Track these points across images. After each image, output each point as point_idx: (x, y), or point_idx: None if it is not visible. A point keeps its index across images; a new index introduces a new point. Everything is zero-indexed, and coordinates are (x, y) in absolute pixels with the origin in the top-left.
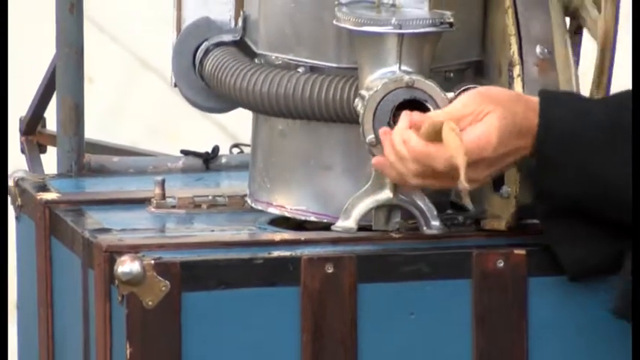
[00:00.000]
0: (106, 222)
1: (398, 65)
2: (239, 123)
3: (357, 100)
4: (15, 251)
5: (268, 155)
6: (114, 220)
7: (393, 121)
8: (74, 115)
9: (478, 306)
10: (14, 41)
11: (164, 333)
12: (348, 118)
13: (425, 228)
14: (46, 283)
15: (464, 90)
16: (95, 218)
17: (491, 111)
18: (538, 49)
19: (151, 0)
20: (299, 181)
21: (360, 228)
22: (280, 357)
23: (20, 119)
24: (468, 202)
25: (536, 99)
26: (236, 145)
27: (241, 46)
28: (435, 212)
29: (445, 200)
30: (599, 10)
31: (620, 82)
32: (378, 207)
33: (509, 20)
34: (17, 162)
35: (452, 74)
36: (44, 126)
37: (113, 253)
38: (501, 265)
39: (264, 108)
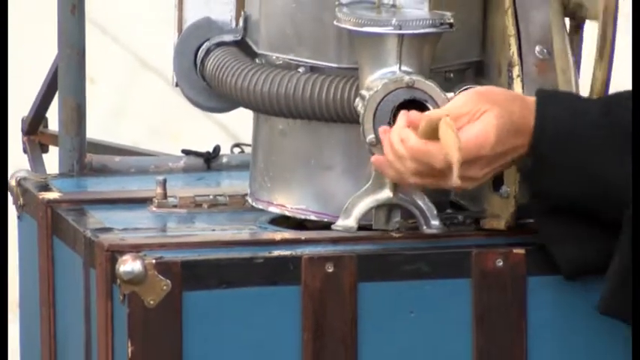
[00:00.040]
0: (107, 221)
1: (398, 65)
2: (240, 123)
3: (357, 100)
4: (17, 250)
5: (269, 155)
6: (115, 220)
7: (393, 121)
8: (76, 115)
9: (477, 305)
10: (14, 41)
11: (165, 332)
12: (349, 118)
13: (425, 227)
14: (47, 283)
15: (464, 90)
16: (97, 218)
17: (488, 110)
18: (537, 50)
19: (152, 1)
20: (299, 181)
21: (360, 227)
22: (281, 356)
23: (22, 119)
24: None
25: (532, 99)
26: (237, 145)
27: (242, 46)
28: (435, 212)
29: (445, 200)
30: None
31: (620, 82)
32: (378, 206)
33: (509, 21)
34: (19, 162)
35: (452, 74)
36: (46, 126)
37: (115, 253)
38: (501, 264)
39: (264, 108)
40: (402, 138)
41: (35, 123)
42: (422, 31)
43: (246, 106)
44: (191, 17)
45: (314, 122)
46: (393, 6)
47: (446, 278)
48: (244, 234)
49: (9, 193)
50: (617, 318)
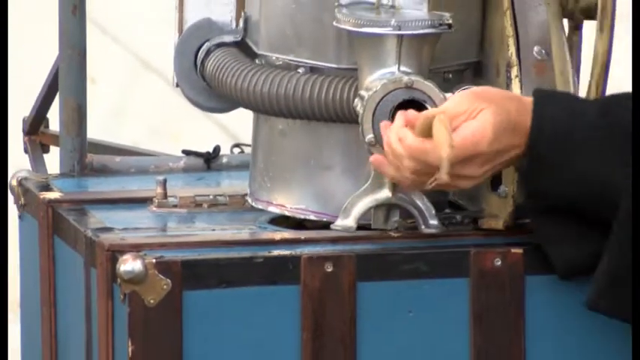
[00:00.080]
0: (108, 221)
1: (397, 66)
2: (240, 123)
3: (356, 100)
4: (18, 250)
5: (268, 155)
6: (116, 219)
7: (392, 122)
8: (77, 115)
9: (476, 304)
10: (14, 41)
11: (166, 331)
12: (348, 118)
13: (423, 227)
14: (48, 282)
15: (462, 90)
16: (97, 217)
17: (485, 108)
18: (536, 51)
19: (152, 1)
20: (299, 181)
21: (359, 227)
22: (280, 355)
23: (23, 119)
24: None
25: (529, 99)
26: (237, 145)
27: (242, 46)
28: (434, 211)
29: (443, 200)
30: None
31: (620, 82)
32: (377, 206)
33: (507, 22)
34: (20, 162)
35: (451, 75)
36: (47, 126)
37: (115, 252)
38: (499, 263)
39: (264, 108)
40: (399, 137)
41: (36, 123)
42: (421, 31)
43: (246, 107)
44: (191, 18)
45: (313, 122)
46: (392, 7)
47: (444, 278)
48: (244, 234)
49: (10, 192)
50: (605, 315)
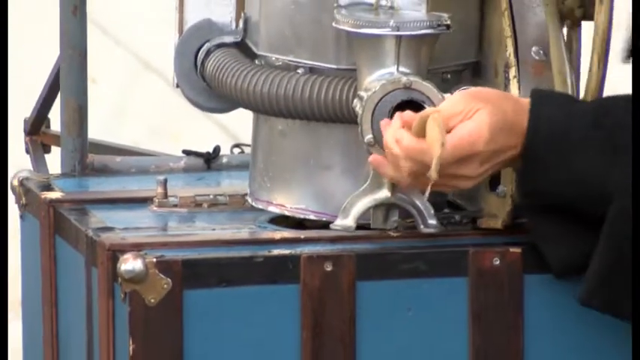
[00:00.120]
0: (109, 221)
1: (396, 66)
2: (240, 123)
3: (355, 100)
4: (19, 250)
5: (268, 155)
6: (117, 219)
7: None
8: (78, 115)
9: (474, 303)
10: (14, 41)
11: (166, 330)
12: (347, 118)
13: (422, 227)
14: (50, 281)
15: (460, 90)
16: (98, 217)
17: (482, 108)
18: (534, 51)
19: (153, 2)
20: (299, 181)
21: (359, 227)
22: (280, 353)
23: (25, 120)
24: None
25: (526, 100)
26: (237, 145)
27: (242, 47)
28: (432, 211)
29: (442, 199)
30: None
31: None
32: (377, 206)
33: (506, 22)
34: (22, 162)
35: (449, 75)
36: (48, 126)
37: (116, 252)
38: (497, 262)
39: (264, 108)
40: (396, 138)
41: (37, 124)
42: (419, 32)
43: (246, 107)
44: (192, 19)
45: (313, 123)
46: (391, 8)
47: (443, 277)
48: (244, 233)
49: (12, 192)
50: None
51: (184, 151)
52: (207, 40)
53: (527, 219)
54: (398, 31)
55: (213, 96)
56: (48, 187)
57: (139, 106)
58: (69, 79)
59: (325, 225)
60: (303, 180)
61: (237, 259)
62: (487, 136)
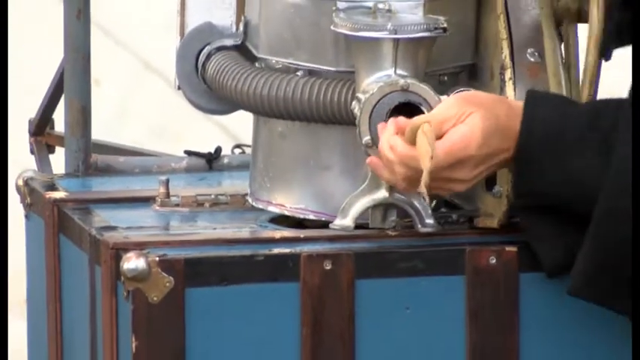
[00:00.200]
0: (112, 220)
1: (393, 69)
2: (240, 124)
3: (354, 102)
4: (24, 249)
5: (268, 156)
6: (120, 218)
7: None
8: (81, 116)
9: (471, 301)
10: (14, 41)
11: (168, 327)
12: (346, 120)
13: (420, 226)
14: (54, 279)
15: (458, 93)
16: (102, 216)
17: (474, 112)
18: (529, 53)
19: (155, 6)
20: (298, 181)
21: (357, 226)
22: (281, 350)
23: (29, 121)
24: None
25: (520, 103)
26: (238, 146)
27: (242, 50)
28: (430, 211)
29: (439, 199)
30: None
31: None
32: (375, 206)
33: (501, 25)
34: (26, 162)
35: (446, 77)
36: (52, 127)
37: (119, 250)
38: (494, 261)
39: (264, 110)
40: (390, 145)
41: (42, 124)
42: (416, 35)
43: (246, 109)
44: (193, 22)
45: (312, 124)
46: (389, 11)
47: (441, 275)
48: (245, 232)
49: (17, 192)
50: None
51: (186, 152)
52: (208, 43)
53: (521, 219)
54: (395, 34)
55: (214, 98)
56: (52, 187)
57: (142, 107)
58: (73, 81)
59: (324, 224)
60: (302, 180)
61: (238, 257)
62: (480, 140)
